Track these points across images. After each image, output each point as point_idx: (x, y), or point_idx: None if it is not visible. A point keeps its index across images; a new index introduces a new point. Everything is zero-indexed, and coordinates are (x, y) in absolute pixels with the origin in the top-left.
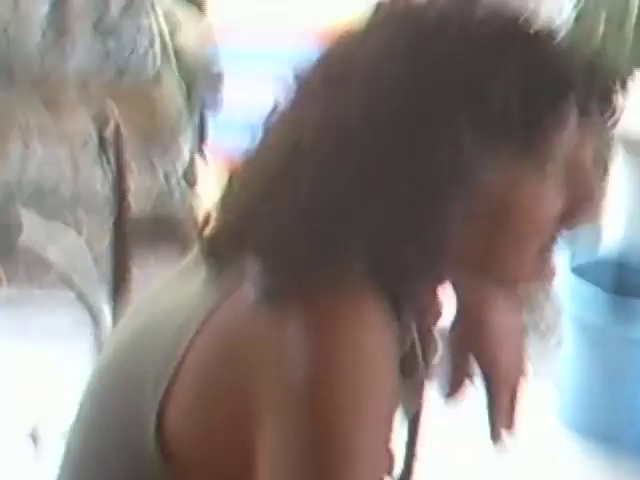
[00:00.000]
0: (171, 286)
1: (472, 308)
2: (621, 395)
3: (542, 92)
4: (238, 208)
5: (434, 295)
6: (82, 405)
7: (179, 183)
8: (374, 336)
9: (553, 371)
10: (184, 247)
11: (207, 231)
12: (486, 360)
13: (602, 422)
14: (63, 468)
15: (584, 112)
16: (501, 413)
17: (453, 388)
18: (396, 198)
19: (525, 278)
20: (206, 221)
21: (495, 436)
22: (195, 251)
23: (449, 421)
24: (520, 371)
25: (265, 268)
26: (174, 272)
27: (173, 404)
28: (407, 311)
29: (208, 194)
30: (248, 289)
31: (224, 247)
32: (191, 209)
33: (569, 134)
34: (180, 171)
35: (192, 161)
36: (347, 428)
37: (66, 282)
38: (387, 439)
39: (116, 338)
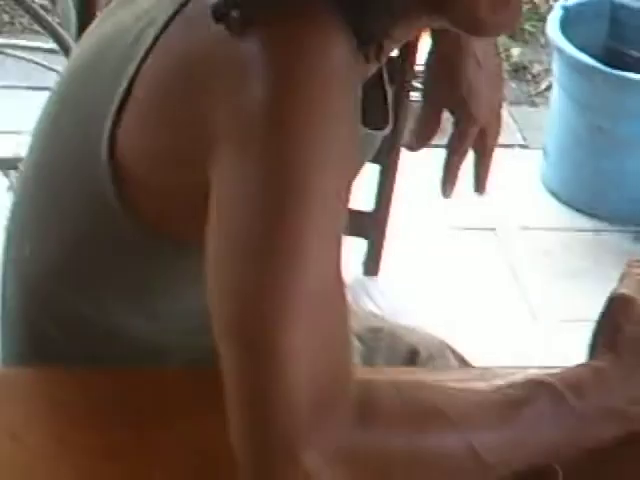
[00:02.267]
0: (122, 6)
1: (446, 50)
2: (607, 164)
3: None
4: None
5: (404, 35)
6: (41, 117)
7: None
8: (339, 68)
9: (540, 139)
10: None
11: None
12: (458, 97)
13: (586, 191)
14: (17, 202)
15: None
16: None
17: (421, 134)
18: None
19: (485, 12)
20: None
21: (480, 184)
22: None
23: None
24: (495, 114)
25: None
26: None
27: (124, 131)
28: (375, 50)
29: None
30: (207, 7)
31: None
32: None
33: None
34: None
35: None
36: (308, 157)
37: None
38: (347, 184)
39: (79, 51)
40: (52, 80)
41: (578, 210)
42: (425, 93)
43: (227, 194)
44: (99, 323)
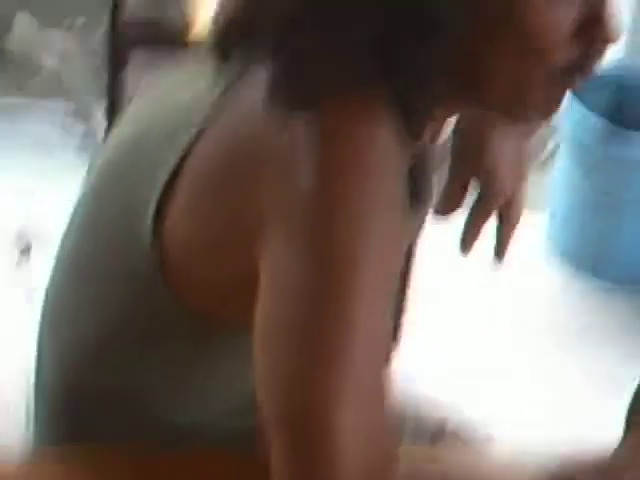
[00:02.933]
0: (170, 91)
1: (471, 123)
2: (612, 225)
3: None
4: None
5: (441, 120)
6: (76, 210)
7: None
8: (388, 156)
9: (546, 199)
10: (181, 51)
11: (212, 28)
12: (484, 170)
13: (590, 251)
14: (56, 271)
15: None
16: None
17: (447, 205)
18: None
19: (527, 105)
20: (213, 21)
21: (500, 251)
22: (195, 55)
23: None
24: (518, 188)
25: (277, 69)
26: (173, 77)
27: (170, 213)
28: (417, 131)
29: None
30: (254, 94)
31: (230, 39)
32: (187, 9)
33: None
34: None
35: None
36: (355, 248)
37: (58, 88)
38: (394, 270)
39: (113, 142)
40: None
41: (586, 272)
42: (451, 165)
43: (277, 282)
44: (138, 405)
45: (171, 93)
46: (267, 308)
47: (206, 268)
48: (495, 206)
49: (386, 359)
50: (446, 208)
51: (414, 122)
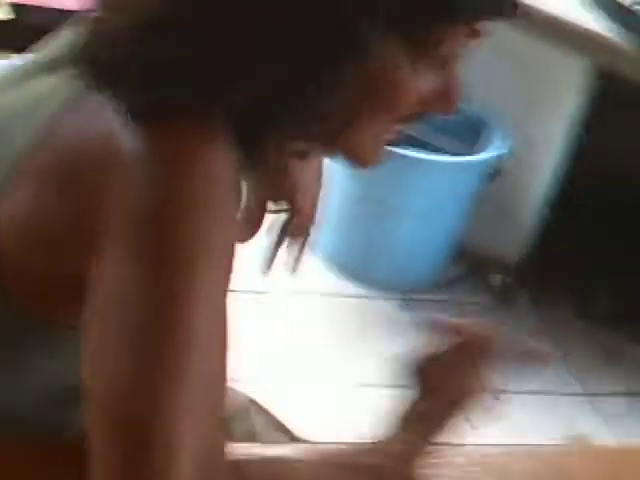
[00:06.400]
0: (9, 87)
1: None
2: (378, 233)
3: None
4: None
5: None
6: None
7: None
8: (226, 179)
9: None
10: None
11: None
12: (283, 193)
13: (357, 258)
14: None
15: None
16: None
17: (249, 229)
18: (290, 45)
19: (364, 154)
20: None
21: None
22: (42, 52)
23: None
24: (314, 202)
25: (133, 85)
26: (13, 71)
27: (7, 205)
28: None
29: None
30: (102, 104)
31: (96, 54)
32: None
33: (456, 42)
34: None
35: None
36: (191, 263)
37: None
38: (225, 291)
39: None
40: None
41: (348, 276)
42: (254, 188)
43: (113, 289)
44: None
45: (26, 82)
46: (101, 311)
47: (41, 264)
48: (301, 222)
49: (224, 366)
50: (248, 233)
51: (253, 152)
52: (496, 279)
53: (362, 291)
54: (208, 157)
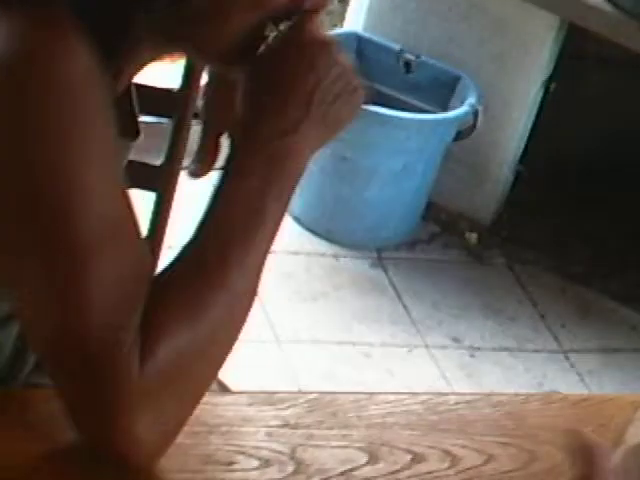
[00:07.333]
0: None
1: (220, 76)
2: (348, 192)
3: None
4: None
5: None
6: None
7: None
8: (84, 74)
9: None
10: None
11: None
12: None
13: (327, 217)
14: None
15: None
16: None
17: (205, 161)
18: None
19: (228, 45)
20: None
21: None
22: None
23: None
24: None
25: None
26: None
27: None
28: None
29: None
30: None
31: None
32: None
33: None
34: None
35: None
36: (64, 153)
37: None
38: (116, 179)
39: None
40: None
41: (319, 235)
42: (204, 120)
43: None
44: None
45: None
46: None
47: None
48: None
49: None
50: (203, 163)
51: (112, 58)
52: (472, 237)
53: (333, 250)
54: (64, 53)
